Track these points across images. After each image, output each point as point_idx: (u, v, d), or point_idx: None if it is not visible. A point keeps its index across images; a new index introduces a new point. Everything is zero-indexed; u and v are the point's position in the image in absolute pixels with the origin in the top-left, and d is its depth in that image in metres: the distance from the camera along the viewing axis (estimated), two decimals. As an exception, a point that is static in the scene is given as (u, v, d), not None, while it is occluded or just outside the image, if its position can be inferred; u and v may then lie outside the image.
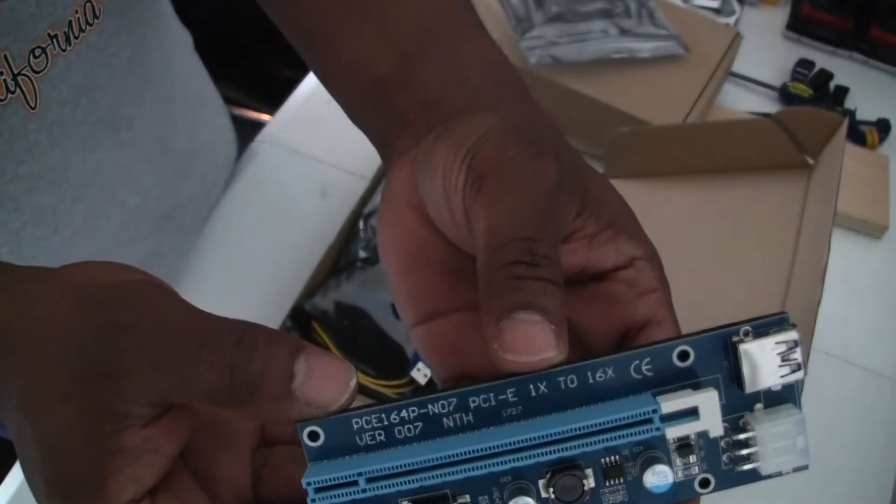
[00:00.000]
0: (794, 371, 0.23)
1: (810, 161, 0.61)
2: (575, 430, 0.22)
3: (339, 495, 0.23)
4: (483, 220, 0.25)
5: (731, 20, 0.93)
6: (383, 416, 0.23)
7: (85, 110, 0.50)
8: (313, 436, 0.24)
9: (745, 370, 0.23)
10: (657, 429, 0.22)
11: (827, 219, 0.52)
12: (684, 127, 0.68)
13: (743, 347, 0.23)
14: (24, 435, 0.25)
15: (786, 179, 0.62)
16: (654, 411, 0.22)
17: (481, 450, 0.22)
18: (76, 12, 0.46)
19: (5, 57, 0.42)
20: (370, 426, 0.24)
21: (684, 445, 0.24)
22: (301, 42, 0.38)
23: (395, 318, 0.61)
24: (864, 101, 0.86)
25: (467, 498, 0.23)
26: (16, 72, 0.43)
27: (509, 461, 0.23)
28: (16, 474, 0.60)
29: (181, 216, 0.68)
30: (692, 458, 0.24)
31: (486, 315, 0.23)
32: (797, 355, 0.23)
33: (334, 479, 0.23)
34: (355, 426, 0.24)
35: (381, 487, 0.23)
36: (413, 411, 0.23)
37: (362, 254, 0.67)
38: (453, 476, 0.22)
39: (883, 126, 0.83)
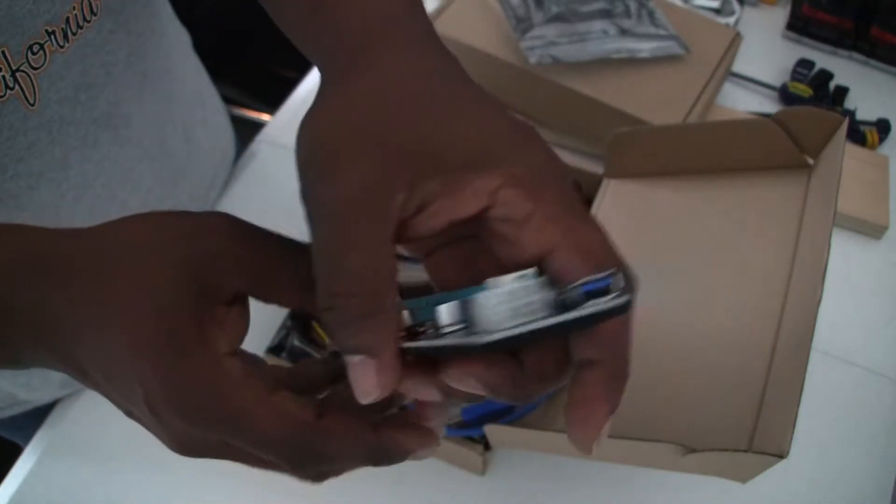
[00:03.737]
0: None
1: (810, 161, 0.61)
2: None
3: None
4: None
5: (731, 20, 0.93)
6: None
7: (84, 108, 0.50)
8: None
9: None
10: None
11: (827, 219, 0.52)
12: (684, 127, 0.68)
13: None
14: (130, 336, 0.27)
15: (786, 179, 0.62)
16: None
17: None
18: (73, 9, 0.46)
19: (3, 53, 0.42)
20: None
21: None
22: None
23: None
24: (864, 101, 0.86)
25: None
26: (14, 68, 0.43)
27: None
28: (16, 474, 0.60)
29: (181, 216, 0.68)
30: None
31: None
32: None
33: None
34: None
35: None
36: None
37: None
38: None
39: (883, 126, 0.83)
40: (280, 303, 0.30)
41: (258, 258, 0.29)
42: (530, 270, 0.27)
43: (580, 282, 0.25)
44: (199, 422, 0.27)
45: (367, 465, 0.29)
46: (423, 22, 0.32)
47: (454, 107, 0.28)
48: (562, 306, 0.25)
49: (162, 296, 0.27)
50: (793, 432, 0.42)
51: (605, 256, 0.27)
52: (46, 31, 0.44)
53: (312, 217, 0.27)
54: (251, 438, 0.27)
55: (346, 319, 0.26)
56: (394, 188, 0.26)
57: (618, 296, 0.24)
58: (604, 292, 0.25)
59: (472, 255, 0.30)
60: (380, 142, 0.26)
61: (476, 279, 0.27)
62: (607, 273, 0.25)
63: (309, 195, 0.27)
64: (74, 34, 0.47)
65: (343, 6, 0.32)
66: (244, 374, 0.28)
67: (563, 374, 0.27)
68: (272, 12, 0.38)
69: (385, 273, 0.26)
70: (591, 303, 0.24)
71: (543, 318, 0.25)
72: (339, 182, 0.26)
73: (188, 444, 0.29)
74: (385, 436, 0.28)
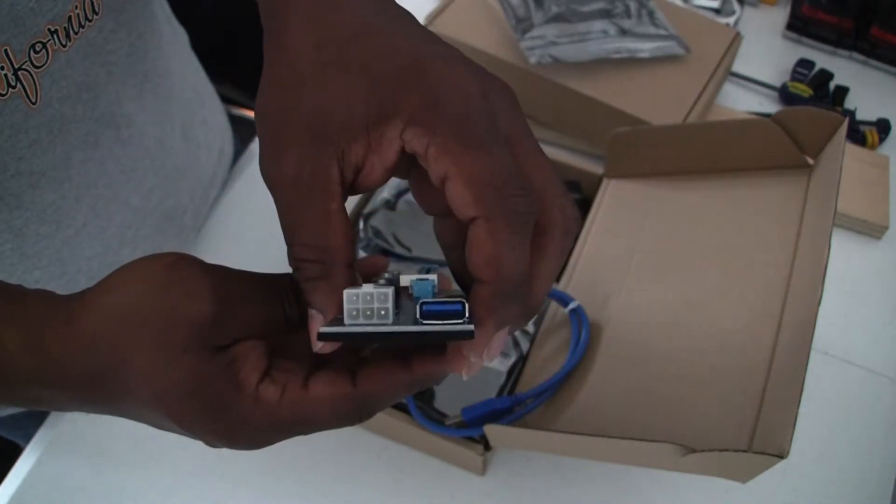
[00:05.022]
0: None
1: (810, 161, 0.61)
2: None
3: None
4: None
5: (731, 20, 0.93)
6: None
7: (85, 106, 0.50)
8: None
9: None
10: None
11: (827, 219, 0.52)
12: (684, 127, 0.68)
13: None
14: (166, 396, 0.30)
15: (786, 179, 0.62)
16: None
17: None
18: (76, 8, 0.46)
19: (6, 52, 0.42)
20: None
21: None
22: None
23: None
24: (864, 101, 0.86)
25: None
26: (17, 67, 0.43)
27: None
28: (16, 474, 0.60)
29: (181, 216, 0.68)
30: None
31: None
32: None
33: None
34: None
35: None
36: None
37: (362, 254, 0.67)
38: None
39: (883, 126, 0.83)
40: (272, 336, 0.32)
41: (248, 309, 0.31)
42: (432, 276, 0.30)
43: (433, 300, 0.28)
44: (261, 446, 0.32)
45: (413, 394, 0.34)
46: None
47: (360, 62, 0.29)
48: (415, 321, 0.28)
49: (185, 372, 0.29)
50: (793, 432, 0.42)
51: (495, 188, 0.28)
52: (49, 29, 0.45)
53: (272, 193, 0.30)
54: (311, 431, 0.32)
55: (304, 279, 0.30)
56: (327, 163, 0.29)
57: (464, 322, 0.27)
58: (458, 315, 0.27)
59: None
60: (308, 118, 0.29)
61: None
62: (459, 300, 0.28)
63: (264, 175, 0.30)
64: (76, 33, 0.47)
65: None
66: (279, 389, 0.30)
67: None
68: None
69: (334, 243, 0.29)
70: (430, 322, 0.27)
71: (375, 324, 0.28)
72: (283, 163, 0.29)
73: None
74: (419, 371, 0.31)
